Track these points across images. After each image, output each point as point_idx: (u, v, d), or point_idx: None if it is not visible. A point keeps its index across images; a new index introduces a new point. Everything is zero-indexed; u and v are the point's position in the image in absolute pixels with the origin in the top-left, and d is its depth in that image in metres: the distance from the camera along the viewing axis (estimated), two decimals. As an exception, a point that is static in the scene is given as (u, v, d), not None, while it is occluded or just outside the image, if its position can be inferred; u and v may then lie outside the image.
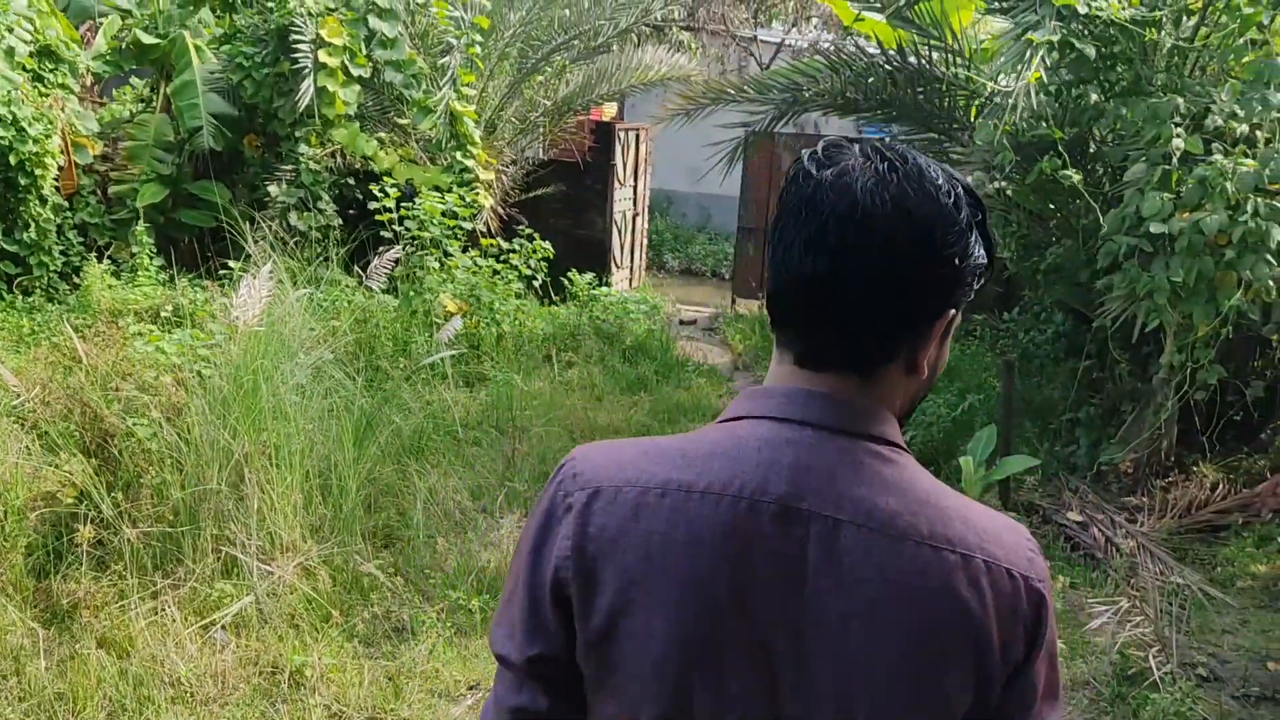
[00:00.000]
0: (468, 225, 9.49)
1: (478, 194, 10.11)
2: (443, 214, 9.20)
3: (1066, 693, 4.24)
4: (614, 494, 1.18)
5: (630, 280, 13.40)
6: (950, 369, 8.76)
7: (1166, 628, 4.73)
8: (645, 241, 13.85)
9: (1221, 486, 6.71)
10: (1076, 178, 5.94)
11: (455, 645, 4.78)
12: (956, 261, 1.18)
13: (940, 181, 1.16)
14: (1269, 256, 5.39)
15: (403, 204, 9.15)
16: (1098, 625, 4.87)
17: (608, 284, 12.14)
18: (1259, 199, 5.36)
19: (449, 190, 9.59)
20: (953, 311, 1.22)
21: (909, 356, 1.20)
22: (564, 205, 13.21)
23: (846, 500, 1.13)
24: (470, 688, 4.54)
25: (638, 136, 12.99)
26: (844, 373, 1.18)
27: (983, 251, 1.22)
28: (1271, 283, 5.47)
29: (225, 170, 10.24)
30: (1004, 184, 7.17)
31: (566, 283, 10.79)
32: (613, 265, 12.78)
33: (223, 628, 4.62)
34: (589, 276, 10.90)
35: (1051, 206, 7.46)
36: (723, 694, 1.12)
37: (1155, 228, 5.48)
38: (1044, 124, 6.34)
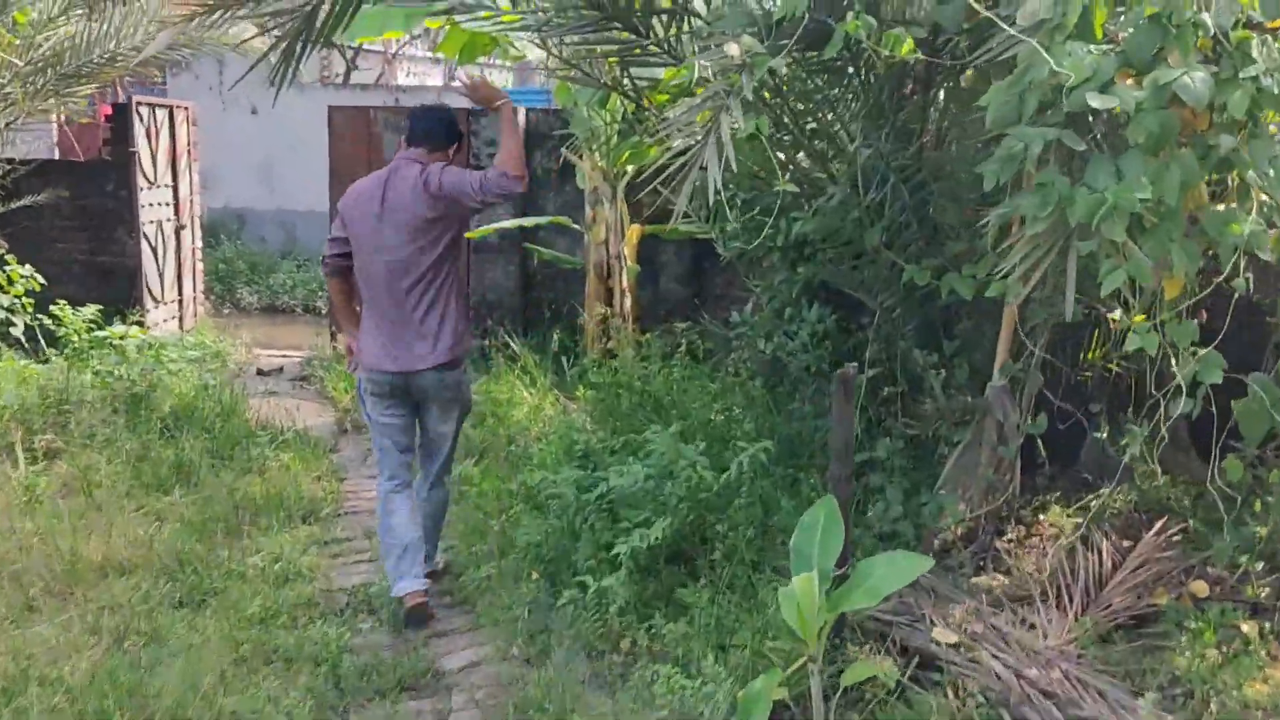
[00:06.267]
0: None
1: None
2: None
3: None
4: (349, 193, 4.25)
5: (181, 319, 9.54)
6: (656, 401, 5.97)
7: None
8: (199, 265, 10.02)
9: (1103, 544, 4.35)
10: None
11: None
12: (453, 131, 4.32)
13: (450, 113, 4.45)
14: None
15: None
16: None
17: (139, 324, 8.29)
18: None
19: None
20: (453, 148, 4.30)
21: (446, 151, 4.24)
22: (79, 221, 9.20)
23: (407, 172, 4.12)
24: None
25: (172, 116, 9.21)
26: (422, 151, 4.18)
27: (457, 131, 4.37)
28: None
29: None
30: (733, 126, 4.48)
31: (51, 323, 6.90)
32: (149, 299, 8.90)
33: None
34: (89, 311, 7.06)
35: (814, 140, 4.88)
36: (374, 238, 4.12)
37: (1098, 100, 2.90)
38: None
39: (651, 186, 3.70)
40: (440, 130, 4.22)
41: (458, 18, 5.60)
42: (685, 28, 4.60)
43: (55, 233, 9.15)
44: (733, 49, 3.34)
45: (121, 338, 6.87)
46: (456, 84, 5.04)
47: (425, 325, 4.10)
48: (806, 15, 3.35)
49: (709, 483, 3.98)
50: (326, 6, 4.17)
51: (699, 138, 3.51)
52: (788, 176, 5.41)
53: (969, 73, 4.54)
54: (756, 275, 6.01)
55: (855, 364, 5.11)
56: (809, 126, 5.06)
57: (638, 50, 5.00)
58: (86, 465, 5.59)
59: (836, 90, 4.60)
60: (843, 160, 5.07)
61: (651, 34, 4.65)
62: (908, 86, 4.82)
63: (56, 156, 12.93)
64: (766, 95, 4.43)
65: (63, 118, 12.48)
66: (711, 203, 3.24)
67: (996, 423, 4.51)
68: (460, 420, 4.43)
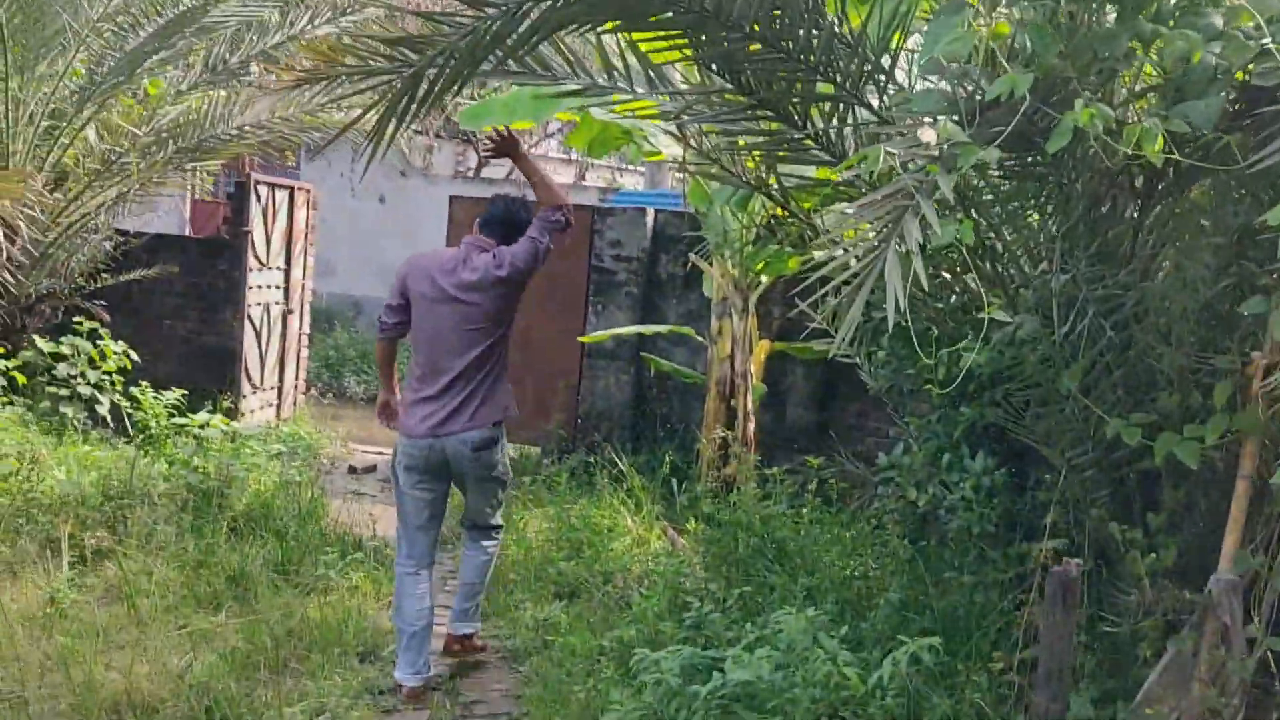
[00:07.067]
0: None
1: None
2: None
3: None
4: (412, 265, 4.45)
5: (279, 408, 9.10)
6: (780, 548, 5.10)
7: None
8: (304, 351, 9.63)
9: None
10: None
11: None
12: (523, 226, 4.44)
13: (528, 209, 4.57)
14: None
15: None
16: None
17: (232, 409, 7.85)
18: None
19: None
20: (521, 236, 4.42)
21: (515, 239, 4.40)
22: (187, 299, 8.91)
23: (479, 260, 4.33)
24: None
25: (292, 197, 8.92)
26: (492, 241, 4.40)
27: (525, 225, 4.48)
28: None
29: None
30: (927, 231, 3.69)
31: (129, 405, 6.46)
32: (246, 384, 8.48)
33: None
34: (172, 395, 6.60)
35: (992, 260, 4.07)
36: (439, 310, 4.32)
37: None
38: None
39: (798, 302, 2.97)
40: (512, 224, 4.46)
41: (588, 103, 5.04)
42: (849, 120, 3.88)
43: (162, 309, 8.90)
44: (928, 135, 2.59)
45: (202, 426, 6.37)
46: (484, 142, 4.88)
47: (471, 397, 4.34)
48: (1026, 99, 2.58)
49: (854, 684, 3.10)
50: (432, 73, 3.57)
51: (855, 248, 2.76)
52: (954, 300, 4.67)
53: (1195, 189, 3.73)
54: (907, 410, 5.16)
55: (1048, 531, 4.25)
56: (987, 241, 4.26)
57: (786, 145, 4.31)
58: (137, 570, 5.01)
59: (1032, 200, 3.79)
60: (1024, 284, 4.24)
61: (809, 125, 3.94)
62: (1109, 199, 4.00)
63: (187, 233, 12.94)
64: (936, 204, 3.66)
65: (194, 194, 12.53)
66: (891, 326, 2.45)
67: (1220, 627, 3.53)
68: (502, 490, 4.61)
